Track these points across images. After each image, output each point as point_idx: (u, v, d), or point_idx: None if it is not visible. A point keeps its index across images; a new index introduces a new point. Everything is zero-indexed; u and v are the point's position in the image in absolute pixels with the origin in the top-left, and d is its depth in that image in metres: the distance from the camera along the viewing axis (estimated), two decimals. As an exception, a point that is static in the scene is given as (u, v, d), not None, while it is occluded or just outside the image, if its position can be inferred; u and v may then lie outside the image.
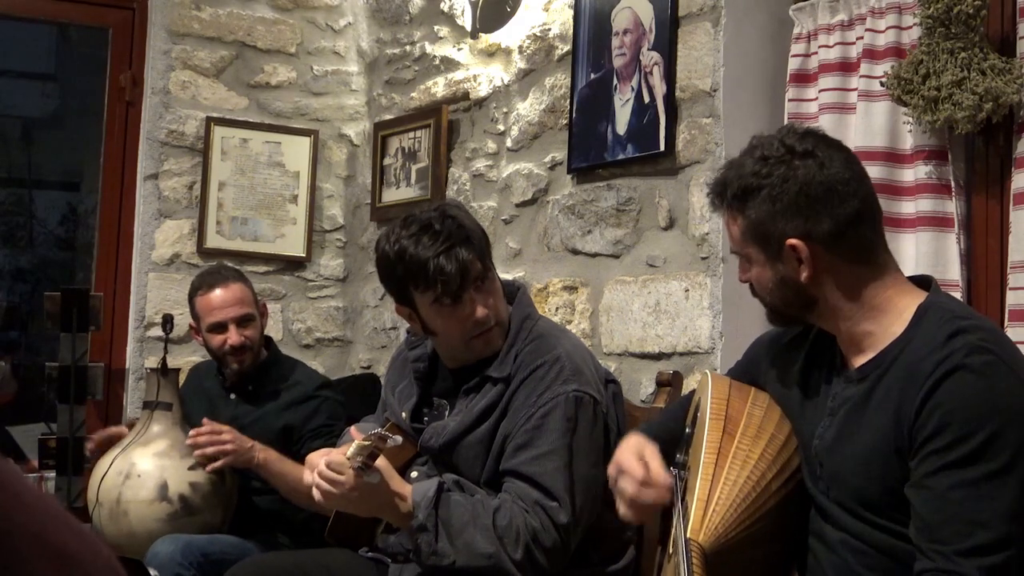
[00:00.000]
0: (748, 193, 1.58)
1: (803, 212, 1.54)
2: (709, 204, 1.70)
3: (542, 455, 2.01)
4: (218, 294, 2.89)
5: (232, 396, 3.00)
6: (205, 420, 2.73)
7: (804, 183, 1.54)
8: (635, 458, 1.70)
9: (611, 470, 1.75)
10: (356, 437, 1.97)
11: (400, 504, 1.99)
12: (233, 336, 2.87)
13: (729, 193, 1.61)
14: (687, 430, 1.75)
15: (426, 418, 2.21)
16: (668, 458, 1.73)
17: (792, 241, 1.55)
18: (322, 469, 1.97)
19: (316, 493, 1.99)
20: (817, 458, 1.61)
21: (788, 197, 1.55)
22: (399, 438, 1.93)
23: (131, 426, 2.89)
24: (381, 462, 1.94)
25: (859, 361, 1.59)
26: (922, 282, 1.64)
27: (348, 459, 1.92)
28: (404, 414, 2.21)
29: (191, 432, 2.70)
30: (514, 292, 2.22)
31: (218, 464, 2.66)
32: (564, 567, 2.03)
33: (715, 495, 1.57)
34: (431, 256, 2.03)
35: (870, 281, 1.58)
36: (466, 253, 2.05)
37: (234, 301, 2.89)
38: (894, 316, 1.56)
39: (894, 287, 1.58)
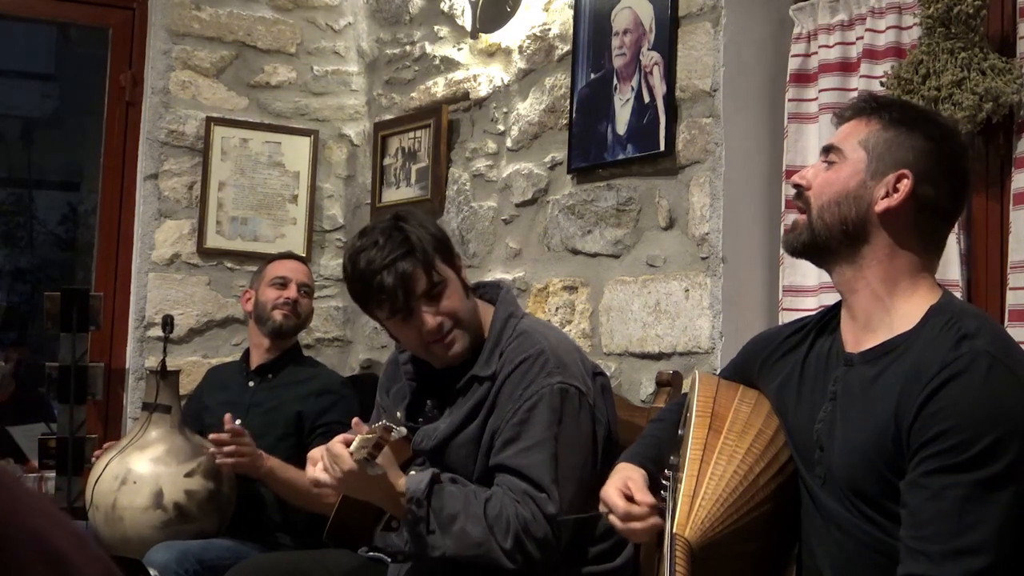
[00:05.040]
0: (907, 122, 1.61)
1: (932, 167, 1.58)
2: (848, 109, 1.71)
3: (528, 448, 2.03)
4: (292, 263, 3.24)
5: (251, 384, 3.08)
6: (227, 417, 2.71)
7: (952, 154, 1.61)
8: (617, 493, 1.70)
9: (601, 506, 1.75)
10: (359, 430, 1.98)
11: (395, 494, 2.00)
12: (291, 291, 3.11)
13: (892, 110, 1.64)
14: (680, 431, 1.75)
15: (420, 419, 2.22)
16: (663, 469, 1.73)
17: (905, 171, 1.57)
18: (324, 455, 1.99)
19: (317, 473, 2.01)
20: (817, 442, 1.61)
21: (932, 150, 1.59)
22: (403, 430, 1.94)
23: None
24: (383, 456, 1.95)
25: (865, 343, 1.59)
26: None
27: (352, 452, 1.94)
28: (399, 413, 2.23)
29: (211, 437, 2.67)
30: (497, 293, 2.24)
31: (230, 461, 2.65)
32: (556, 560, 2.04)
33: (701, 490, 1.57)
34: (373, 273, 2.06)
35: (912, 264, 1.59)
36: (408, 266, 2.05)
37: (303, 272, 3.23)
38: (910, 307, 1.57)
39: (925, 282, 1.60)
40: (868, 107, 1.66)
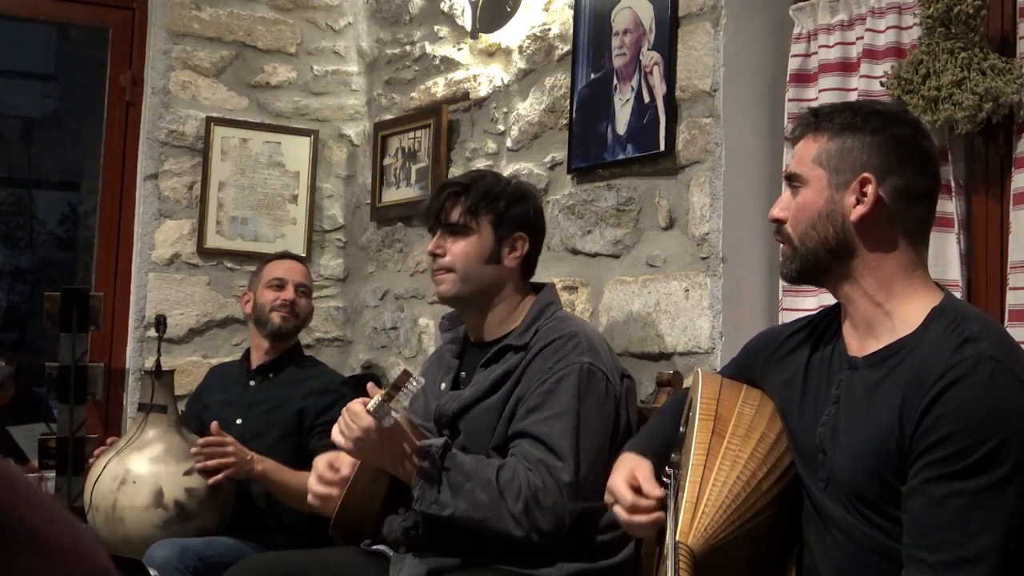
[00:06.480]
0: (852, 125, 1.61)
1: (889, 159, 1.58)
2: (795, 128, 1.71)
3: (552, 416, 2.07)
4: (288, 263, 3.22)
5: (251, 383, 3.08)
6: (214, 426, 2.75)
7: (903, 137, 1.60)
8: (625, 484, 1.70)
9: (607, 496, 1.76)
10: (374, 392, 1.98)
11: (408, 453, 2.02)
12: (289, 292, 3.10)
13: (834, 118, 1.64)
14: (681, 429, 1.75)
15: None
16: (666, 462, 1.73)
17: (866, 175, 1.57)
18: (343, 415, 2.02)
19: (337, 437, 2.03)
20: (820, 446, 1.61)
21: (883, 142, 1.59)
22: (422, 379, 1.97)
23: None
24: (399, 414, 1.96)
25: (868, 348, 1.59)
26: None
27: (369, 410, 1.95)
28: (443, 385, 2.28)
29: (198, 441, 2.71)
30: (541, 286, 2.34)
31: (219, 477, 2.68)
32: (563, 534, 2.04)
33: (704, 497, 1.57)
34: (443, 185, 2.34)
35: (904, 263, 1.59)
36: (462, 200, 2.24)
37: (300, 272, 3.20)
38: (911, 309, 1.56)
39: (921, 280, 1.60)
40: (812, 123, 1.66)
